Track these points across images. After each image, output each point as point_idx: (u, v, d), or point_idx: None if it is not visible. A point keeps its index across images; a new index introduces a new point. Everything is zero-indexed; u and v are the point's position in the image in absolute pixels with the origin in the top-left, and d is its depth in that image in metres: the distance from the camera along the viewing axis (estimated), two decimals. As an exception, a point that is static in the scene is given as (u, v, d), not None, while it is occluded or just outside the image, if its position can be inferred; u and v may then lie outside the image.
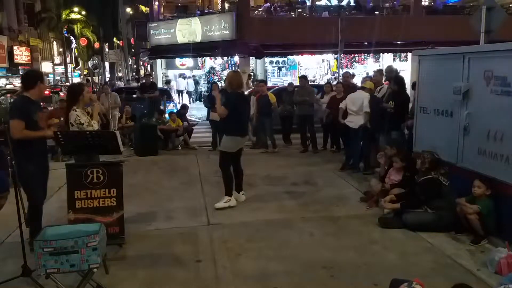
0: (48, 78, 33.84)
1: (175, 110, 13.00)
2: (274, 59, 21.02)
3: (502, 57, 4.69)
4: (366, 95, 7.59)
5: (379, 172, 6.50)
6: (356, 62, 21.65)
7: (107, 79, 39.24)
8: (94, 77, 37.09)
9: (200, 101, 22.07)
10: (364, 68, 20.79)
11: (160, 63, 24.82)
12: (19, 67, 28.73)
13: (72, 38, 38.91)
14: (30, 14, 32.49)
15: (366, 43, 18.42)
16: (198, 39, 20.32)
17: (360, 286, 3.86)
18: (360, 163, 7.82)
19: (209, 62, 24.87)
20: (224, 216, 5.65)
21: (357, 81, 13.27)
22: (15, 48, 28.43)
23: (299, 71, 21.09)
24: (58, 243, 3.26)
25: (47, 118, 9.55)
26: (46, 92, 17.46)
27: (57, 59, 39.03)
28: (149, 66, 39.33)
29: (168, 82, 24.50)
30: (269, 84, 17.36)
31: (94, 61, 34.24)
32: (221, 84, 16.69)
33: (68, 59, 39.59)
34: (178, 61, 25.71)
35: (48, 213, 5.74)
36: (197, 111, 18.99)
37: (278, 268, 4.18)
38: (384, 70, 9.30)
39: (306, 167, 8.34)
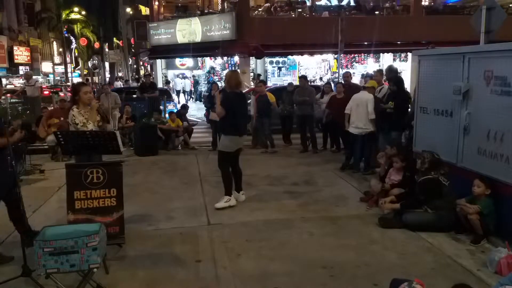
0: (48, 78, 33.88)
1: (175, 110, 13.00)
2: (274, 59, 21.03)
3: (502, 57, 4.69)
4: (370, 98, 7.43)
5: (379, 172, 6.51)
6: (356, 62, 21.66)
7: (107, 79, 39.23)
8: (94, 77, 37.11)
9: (200, 101, 22.09)
10: (364, 68, 20.81)
11: (160, 63, 24.83)
12: (19, 67, 28.75)
13: (72, 38, 38.92)
14: (30, 14, 32.47)
15: (366, 43, 18.43)
16: (198, 39, 20.32)
17: (360, 286, 3.86)
18: (360, 163, 7.82)
19: (209, 62, 24.89)
20: (224, 216, 5.65)
21: (355, 80, 13.27)
22: (15, 48, 28.44)
23: (299, 71, 21.11)
24: (58, 243, 3.27)
25: (47, 118, 9.68)
26: (46, 92, 17.50)
27: (57, 59, 39.03)
28: (149, 66, 39.37)
29: (168, 82, 24.54)
30: (269, 84, 17.42)
31: (94, 61, 34.27)
32: (221, 84, 16.70)
33: (68, 59, 39.60)
34: (178, 61, 25.75)
35: (47, 213, 5.78)
36: (197, 111, 19.00)
37: (278, 268, 4.18)
38: (384, 70, 9.29)
39: (306, 167, 8.34)
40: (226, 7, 22.75)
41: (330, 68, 21.33)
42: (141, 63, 46.43)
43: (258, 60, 20.41)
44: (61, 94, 19.34)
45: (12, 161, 4.38)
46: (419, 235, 4.88)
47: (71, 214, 4.41)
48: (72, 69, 41.25)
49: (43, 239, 3.33)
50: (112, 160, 4.74)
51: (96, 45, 40.35)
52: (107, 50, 42.64)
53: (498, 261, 3.97)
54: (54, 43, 39.19)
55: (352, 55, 21.08)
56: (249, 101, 10.89)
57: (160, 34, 22.44)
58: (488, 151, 4.84)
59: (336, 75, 17.65)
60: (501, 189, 4.65)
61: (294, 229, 5.18)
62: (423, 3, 22.01)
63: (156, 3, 26.30)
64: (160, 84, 21.81)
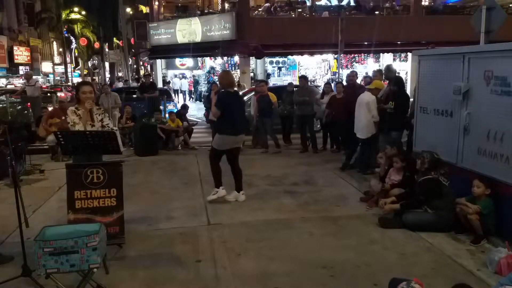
0: (48, 78, 33.89)
1: (175, 110, 13.00)
2: (274, 59, 21.05)
3: (502, 57, 4.69)
4: (371, 99, 7.26)
5: (379, 172, 6.51)
6: (356, 62, 21.67)
7: (108, 79, 39.25)
8: (94, 77, 37.12)
9: (200, 101, 22.10)
10: (364, 68, 20.81)
11: (160, 63, 24.84)
12: (19, 67, 28.77)
13: (72, 38, 38.95)
14: (30, 14, 32.53)
15: (366, 43, 18.45)
16: (198, 39, 20.33)
17: (360, 286, 3.86)
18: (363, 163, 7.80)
19: (209, 62, 24.89)
20: (224, 216, 5.65)
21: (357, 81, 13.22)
22: (15, 48, 28.48)
23: (299, 71, 21.13)
24: (58, 243, 3.26)
25: (48, 118, 9.67)
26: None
27: (57, 59, 39.08)
28: (149, 66, 39.37)
29: (167, 82, 24.55)
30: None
31: (94, 61, 34.30)
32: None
33: (68, 59, 39.66)
34: (178, 61, 25.76)
35: (47, 213, 5.78)
36: (197, 111, 19.00)
37: (278, 268, 4.17)
38: (383, 70, 9.26)
39: (306, 167, 8.34)
40: (226, 7, 22.77)
41: (330, 68, 21.34)
42: (141, 63, 46.42)
43: (258, 60, 20.42)
44: (62, 94, 19.37)
45: (12, 161, 4.38)
46: (419, 235, 4.88)
47: (71, 214, 4.40)
48: (72, 69, 41.29)
49: (43, 239, 3.33)
50: (112, 160, 4.74)
51: (96, 45, 40.38)
52: (107, 50, 42.64)
53: (498, 261, 3.97)
54: (54, 43, 39.24)
55: (352, 55, 21.09)
56: (249, 101, 10.95)
57: (160, 34, 22.45)
58: (488, 151, 4.84)
59: (337, 75, 17.69)
60: (501, 189, 4.65)
61: (294, 229, 5.17)
62: (423, 3, 22.03)
63: (156, 3, 26.32)
64: (160, 84, 21.82)
